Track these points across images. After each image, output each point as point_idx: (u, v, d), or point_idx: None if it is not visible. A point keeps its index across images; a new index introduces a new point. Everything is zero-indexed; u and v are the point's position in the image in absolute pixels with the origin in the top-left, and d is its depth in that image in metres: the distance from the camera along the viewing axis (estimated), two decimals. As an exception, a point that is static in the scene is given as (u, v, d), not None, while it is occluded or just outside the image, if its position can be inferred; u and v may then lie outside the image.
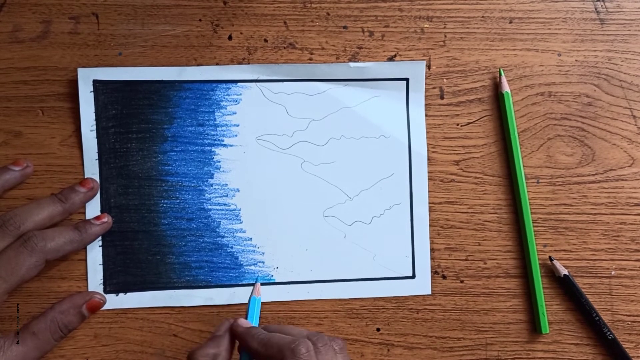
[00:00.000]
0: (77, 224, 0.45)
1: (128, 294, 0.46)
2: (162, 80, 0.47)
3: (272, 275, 0.48)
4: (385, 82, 0.49)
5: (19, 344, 0.42)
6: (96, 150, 0.46)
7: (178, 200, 0.47)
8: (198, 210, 0.47)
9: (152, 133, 0.47)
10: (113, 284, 0.46)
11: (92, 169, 0.46)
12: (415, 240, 0.49)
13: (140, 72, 0.47)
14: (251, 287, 0.44)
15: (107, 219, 0.46)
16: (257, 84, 0.48)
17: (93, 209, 0.46)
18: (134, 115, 0.47)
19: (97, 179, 0.46)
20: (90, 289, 0.46)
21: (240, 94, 0.48)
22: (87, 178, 0.46)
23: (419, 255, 0.49)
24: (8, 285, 0.42)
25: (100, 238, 0.46)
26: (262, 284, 0.47)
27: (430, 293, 0.48)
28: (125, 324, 0.46)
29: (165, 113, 0.47)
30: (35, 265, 0.42)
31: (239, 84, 0.48)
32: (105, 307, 0.46)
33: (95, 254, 0.46)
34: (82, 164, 0.46)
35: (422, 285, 0.48)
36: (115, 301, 0.46)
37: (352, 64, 0.48)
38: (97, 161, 0.46)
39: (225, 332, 0.41)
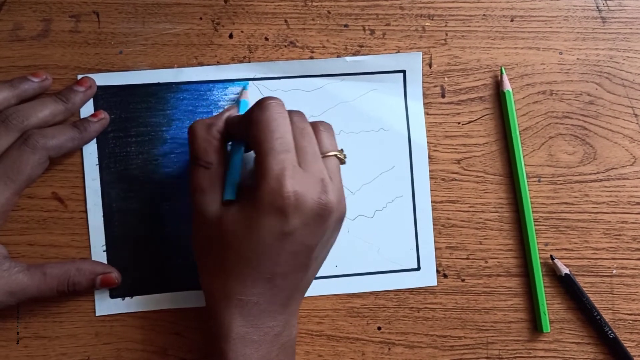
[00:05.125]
0: (76, 122, 0.45)
1: (134, 297, 0.46)
2: (159, 83, 0.47)
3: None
4: (382, 75, 0.49)
5: (26, 275, 0.42)
6: (96, 155, 0.46)
7: (180, 202, 0.47)
8: (199, 209, 0.47)
9: (151, 136, 0.47)
10: (118, 289, 0.46)
11: (92, 174, 0.46)
12: (419, 231, 0.49)
13: (137, 76, 0.47)
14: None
15: (103, 115, 0.46)
16: (255, 82, 0.48)
17: (94, 210, 0.46)
18: (133, 119, 0.47)
19: (98, 184, 0.46)
20: (96, 293, 0.46)
21: (238, 94, 0.48)
22: (83, 77, 0.46)
23: (423, 247, 0.49)
24: (17, 185, 0.42)
25: (104, 242, 0.46)
26: None
27: (436, 284, 0.48)
28: (127, 322, 0.47)
29: (164, 115, 0.47)
30: (39, 163, 0.43)
31: (236, 83, 0.48)
32: (112, 311, 0.46)
33: (99, 259, 0.46)
34: (83, 170, 0.46)
35: (427, 277, 0.48)
36: (121, 305, 0.46)
37: (348, 59, 0.48)
38: (98, 166, 0.46)
39: (225, 112, 0.43)
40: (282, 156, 0.38)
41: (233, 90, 0.48)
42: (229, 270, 0.39)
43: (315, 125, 0.42)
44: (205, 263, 0.41)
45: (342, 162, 0.42)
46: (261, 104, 0.39)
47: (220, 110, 0.47)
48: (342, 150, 0.42)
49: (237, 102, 0.47)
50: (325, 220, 0.39)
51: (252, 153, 0.43)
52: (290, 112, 0.40)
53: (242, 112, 0.44)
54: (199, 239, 0.41)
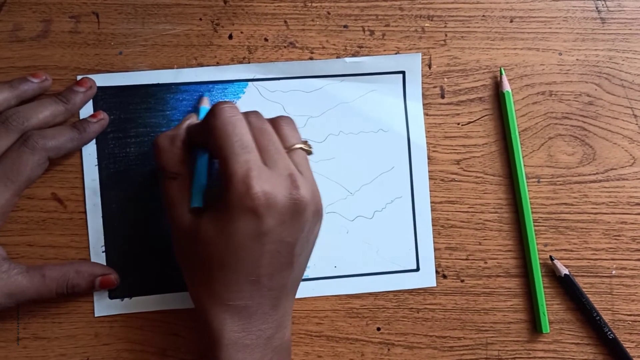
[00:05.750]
0: (75, 123, 0.45)
1: (133, 298, 0.46)
2: (158, 84, 0.47)
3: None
4: (381, 76, 0.49)
5: (25, 277, 0.42)
6: (96, 156, 0.46)
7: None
8: (199, 210, 0.47)
9: (150, 137, 0.47)
10: (118, 290, 0.46)
11: (92, 175, 0.46)
12: (418, 232, 0.49)
13: (137, 77, 0.47)
14: None
15: (103, 115, 0.46)
16: (254, 83, 0.48)
17: (93, 211, 0.46)
18: (132, 119, 0.47)
19: (98, 185, 0.46)
20: (95, 294, 0.46)
21: (237, 94, 0.48)
22: (83, 78, 0.46)
23: (422, 248, 0.49)
24: (16, 186, 0.42)
25: (103, 242, 0.46)
26: None
27: (435, 285, 0.48)
28: (126, 323, 0.47)
29: (163, 116, 0.47)
30: (38, 164, 0.43)
31: (235, 84, 0.48)
32: (111, 312, 0.46)
33: (99, 260, 0.46)
34: (82, 170, 0.46)
35: (426, 278, 0.48)
36: (120, 306, 0.46)
37: (348, 60, 0.48)
38: (97, 167, 0.46)
39: (184, 121, 0.44)
40: (245, 157, 0.37)
41: (232, 91, 0.48)
42: (214, 277, 0.38)
43: (275, 121, 0.41)
44: (189, 274, 0.41)
45: (308, 152, 0.42)
46: (214, 109, 0.39)
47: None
48: (306, 141, 0.42)
49: (196, 109, 0.46)
50: (301, 214, 0.38)
51: None
52: (246, 113, 0.40)
53: (201, 119, 0.44)
54: (180, 251, 0.41)
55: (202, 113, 0.45)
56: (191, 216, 0.40)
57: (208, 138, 0.39)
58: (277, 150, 0.39)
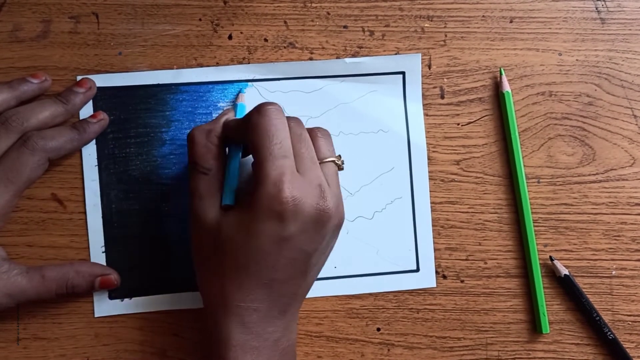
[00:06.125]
0: (75, 124, 0.45)
1: (133, 298, 0.46)
2: (158, 84, 0.47)
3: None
4: (381, 77, 0.49)
5: (25, 278, 0.42)
6: (95, 157, 0.46)
7: (179, 204, 0.47)
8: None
9: (150, 137, 0.47)
10: (118, 290, 0.46)
11: (91, 175, 0.46)
12: (418, 233, 0.49)
13: (137, 77, 0.47)
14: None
15: (103, 116, 0.46)
16: (254, 83, 0.48)
17: (93, 211, 0.46)
18: (132, 120, 0.47)
19: (98, 185, 0.46)
20: (95, 295, 0.46)
21: (235, 97, 0.48)
22: (83, 78, 0.46)
23: (422, 249, 0.49)
24: (16, 187, 0.42)
25: (103, 243, 0.46)
26: None
27: (435, 285, 0.48)
28: (126, 323, 0.47)
29: (163, 116, 0.47)
30: (38, 164, 0.43)
31: (235, 84, 0.48)
32: (111, 312, 0.46)
33: (98, 260, 0.46)
34: (82, 171, 0.46)
35: (426, 279, 0.48)
36: (120, 307, 0.46)
37: (347, 60, 0.48)
38: (97, 167, 0.46)
39: (222, 116, 0.44)
40: (281, 162, 0.38)
41: (232, 92, 0.48)
42: (228, 276, 0.39)
43: (312, 132, 0.42)
44: (203, 269, 0.41)
45: (340, 168, 0.42)
46: (260, 109, 0.39)
47: (219, 112, 0.47)
48: (339, 156, 0.42)
49: (234, 105, 0.47)
50: (324, 226, 0.39)
51: (250, 158, 0.43)
52: (288, 118, 0.40)
53: (239, 116, 0.44)
54: (198, 245, 0.41)
55: (240, 109, 0.45)
56: (217, 212, 0.40)
57: (247, 135, 0.39)
58: (312, 159, 0.40)
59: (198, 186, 0.40)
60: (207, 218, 0.40)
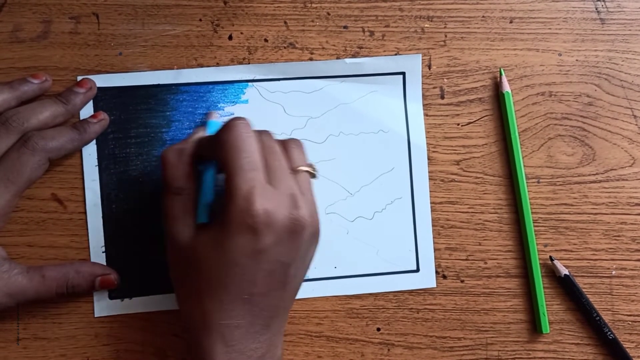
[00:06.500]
0: (76, 124, 0.45)
1: (133, 298, 0.46)
2: (158, 84, 0.47)
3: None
4: (381, 77, 0.49)
5: (25, 277, 0.42)
6: (96, 157, 0.46)
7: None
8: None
9: (150, 137, 0.47)
10: (118, 290, 0.46)
11: (92, 175, 0.46)
12: (418, 233, 0.49)
13: (137, 77, 0.47)
14: None
15: (103, 116, 0.46)
16: (254, 83, 0.48)
17: (93, 211, 0.46)
18: (132, 120, 0.47)
19: (98, 185, 0.46)
20: (95, 295, 0.46)
21: (237, 95, 0.48)
22: (84, 78, 0.46)
23: (422, 249, 0.49)
24: (16, 187, 0.42)
25: (103, 243, 0.46)
26: None
27: (435, 286, 0.48)
28: (126, 323, 0.47)
29: (163, 117, 0.47)
30: (39, 165, 0.43)
31: (235, 84, 0.48)
32: (111, 312, 0.46)
33: (99, 260, 0.46)
34: (82, 171, 0.46)
35: (426, 279, 0.48)
36: (120, 306, 0.46)
37: (348, 60, 0.48)
38: (97, 167, 0.46)
39: (193, 135, 0.44)
40: (250, 175, 0.37)
41: (233, 92, 0.48)
42: (206, 295, 0.38)
43: (285, 143, 0.42)
44: (182, 290, 0.41)
45: (312, 176, 0.42)
46: (228, 124, 0.39)
47: (218, 116, 0.47)
48: (312, 164, 0.42)
49: (204, 123, 0.46)
50: (299, 235, 0.38)
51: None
52: (258, 131, 0.40)
53: (210, 133, 0.44)
54: (174, 267, 0.41)
55: (211, 127, 0.45)
56: (191, 232, 0.40)
57: (217, 152, 0.39)
58: (283, 170, 0.40)
59: (171, 207, 0.40)
60: (182, 238, 0.40)
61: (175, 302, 0.47)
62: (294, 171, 0.41)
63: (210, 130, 0.45)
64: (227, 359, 0.38)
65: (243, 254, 0.37)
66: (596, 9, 0.50)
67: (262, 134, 0.41)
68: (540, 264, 0.48)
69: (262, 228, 0.37)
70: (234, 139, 0.38)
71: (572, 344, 0.49)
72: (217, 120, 0.46)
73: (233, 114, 0.48)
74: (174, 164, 0.41)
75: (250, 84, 0.48)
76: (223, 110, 0.48)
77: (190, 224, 0.40)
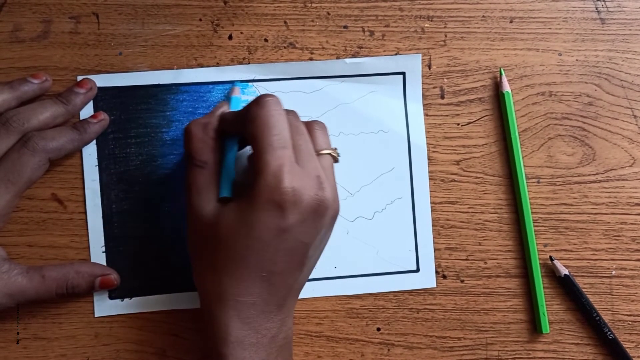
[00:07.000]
0: (76, 124, 0.45)
1: (133, 298, 0.46)
2: (158, 84, 0.47)
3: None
4: (381, 77, 0.49)
5: (25, 278, 0.42)
6: (96, 157, 0.46)
7: (179, 204, 0.47)
8: (199, 210, 0.47)
9: (150, 137, 0.47)
10: (118, 290, 0.46)
11: (92, 175, 0.46)
12: (418, 233, 0.49)
13: (137, 77, 0.47)
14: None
15: (103, 116, 0.46)
16: (254, 83, 0.48)
17: (93, 211, 0.46)
18: (132, 120, 0.47)
19: (98, 185, 0.46)
20: (95, 295, 0.46)
21: (228, 90, 0.48)
22: (84, 79, 0.46)
23: (422, 249, 0.49)
24: (17, 187, 0.42)
25: (103, 243, 0.46)
26: None
27: (435, 286, 0.48)
28: (126, 323, 0.47)
29: (163, 117, 0.47)
30: (39, 165, 0.43)
31: (235, 84, 0.48)
32: (111, 312, 0.46)
33: (99, 260, 0.46)
34: (82, 171, 0.46)
35: (426, 279, 0.48)
36: (120, 306, 0.46)
37: (348, 60, 0.48)
38: (97, 167, 0.46)
39: (217, 109, 0.43)
40: (280, 152, 0.38)
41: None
42: (225, 270, 0.38)
43: (309, 125, 0.42)
44: (200, 264, 0.41)
45: (335, 160, 0.42)
46: (259, 100, 0.39)
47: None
48: (335, 148, 0.43)
49: (227, 98, 0.47)
50: (322, 216, 0.39)
51: (245, 151, 0.43)
52: (286, 110, 0.41)
53: (233, 109, 0.44)
54: (194, 240, 0.41)
55: (234, 103, 0.45)
56: (215, 205, 0.40)
57: (246, 127, 0.39)
58: (309, 151, 0.40)
59: (195, 180, 0.40)
60: (205, 211, 0.40)
61: (171, 303, 0.47)
62: (318, 153, 0.41)
63: (233, 106, 0.45)
64: (242, 336, 0.38)
65: (268, 230, 0.37)
66: (596, 8, 0.50)
67: (290, 114, 0.41)
68: (540, 264, 0.48)
69: (289, 206, 0.37)
70: (265, 115, 0.38)
71: (572, 344, 0.49)
72: (240, 96, 0.46)
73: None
74: (198, 138, 0.41)
75: (250, 84, 0.48)
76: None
77: (212, 198, 0.40)
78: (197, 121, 0.42)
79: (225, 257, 0.38)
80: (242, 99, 0.46)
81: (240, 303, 0.38)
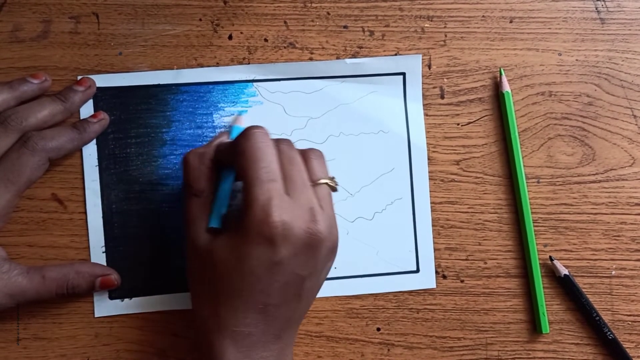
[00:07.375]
0: (75, 123, 0.45)
1: (133, 299, 0.46)
2: (158, 84, 0.47)
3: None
4: (382, 78, 0.49)
5: (25, 278, 0.42)
6: (96, 157, 0.46)
7: (179, 203, 0.47)
8: (199, 210, 0.47)
9: (150, 137, 0.47)
10: (118, 290, 0.46)
11: (92, 175, 0.46)
12: (418, 234, 0.49)
13: (137, 77, 0.47)
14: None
15: (103, 116, 0.46)
16: (254, 84, 0.48)
17: (93, 211, 0.46)
18: (132, 120, 0.47)
19: (98, 185, 0.46)
20: (95, 295, 0.46)
21: (238, 95, 0.48)
22: (83, 77, 0.46)
23: (422, 249, 0.49)
24: (16, 187, 0.42)
25: (103, 243, 0.46)
26: None
27: (435, 286, 0.48)
28: (126, 323, 0.47)
29: (163, 117, 0.47)
30: (38, 165, 0.43)
31: (236, 84, 0.48)
32: (111, 312, 0.46)
33: (99, 260, 0.46)
34: (82, 171, 0.46)
35: (426, 279, 0.48)
36: (120, 307, 0.46)
37: (348, 61, 0.48)
38: (97, 167, 0.46)
39: (215, 139, 0.44)
40: (268, 185, 0.37)
41: (233, 92, 0.48)
42: (221, 300, 0.38)
43: (305, 153, 0.41)
44: (197, 292, 0.41)
45: (333, 189, 0.42)
46: (246, 133, 0.39)
47: (219, 116, 0.47)
48: (333, 177, 0.42)
49: (229, 127, 0.47)
50: (316, 249, 0.38)
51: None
52: (278, 140, 0.40)
53: (232, 138, 0.44)
54: (192, 268, 0.41)
55: (235, 132, 0.45)
56: (208, 236, 0.40)
57: (235, 160, 0.39)
58: (302, 181, 0.39)
59: (191, 209, 0.40)
60: (200, 241, 0.40)
61: (171, 303, 0.47)
62: (314, 183, 0.40)
63: (233, 136, 0.45)
64: None
65: (259, 265, 0.37)
66: (596, 8, 0.50)
67: (282, 143, 0.40)
68: (540, 264, 0.48)
69: (279, 239, 0.37)
70: (251, 148, 0.38)
71: (572, 344, 0.49)
72: (242, 125, 0.45)
73: (233, 114, 0.48)
74: (195, 167, 0.41)
75: (250, 84, 0.48)
76: (223, 110, 0.47)
77: (206, 227, 0.40)
78: (194, 151, 0.42)
79: (221, 289, 0.38)
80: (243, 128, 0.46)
81: (237, 333, 0.38)
